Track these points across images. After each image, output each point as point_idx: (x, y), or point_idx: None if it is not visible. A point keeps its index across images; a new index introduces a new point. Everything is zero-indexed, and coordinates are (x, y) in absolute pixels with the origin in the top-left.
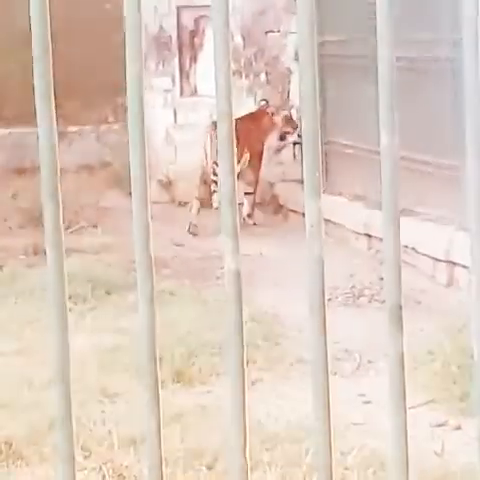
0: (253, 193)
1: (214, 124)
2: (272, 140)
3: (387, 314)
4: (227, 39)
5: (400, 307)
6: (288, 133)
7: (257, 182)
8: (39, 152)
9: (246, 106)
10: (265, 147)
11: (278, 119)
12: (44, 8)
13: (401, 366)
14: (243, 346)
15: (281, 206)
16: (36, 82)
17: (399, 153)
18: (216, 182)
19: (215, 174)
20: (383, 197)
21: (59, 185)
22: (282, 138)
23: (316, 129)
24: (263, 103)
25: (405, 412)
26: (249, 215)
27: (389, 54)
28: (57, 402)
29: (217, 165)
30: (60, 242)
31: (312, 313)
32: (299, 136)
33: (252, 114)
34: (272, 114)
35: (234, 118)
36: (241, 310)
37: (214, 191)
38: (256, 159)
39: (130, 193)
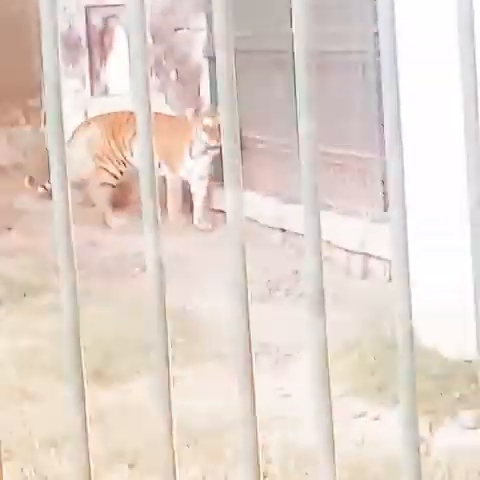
0: None
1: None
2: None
3: (308, 301)
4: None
5: (322, 292)
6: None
7: None
8: None
9: (157, 103)
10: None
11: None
12: None
13: (324, 352)
14: (167, 335)
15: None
16: None
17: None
18: None
19: None
20: (303, 182)
21: None
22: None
23: (235, 117)
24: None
25: (329, 399)
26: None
27: (305, 45)
28: None
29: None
30: None
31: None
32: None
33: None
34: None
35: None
36: (164, 298)
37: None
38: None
39: (47, 195)
